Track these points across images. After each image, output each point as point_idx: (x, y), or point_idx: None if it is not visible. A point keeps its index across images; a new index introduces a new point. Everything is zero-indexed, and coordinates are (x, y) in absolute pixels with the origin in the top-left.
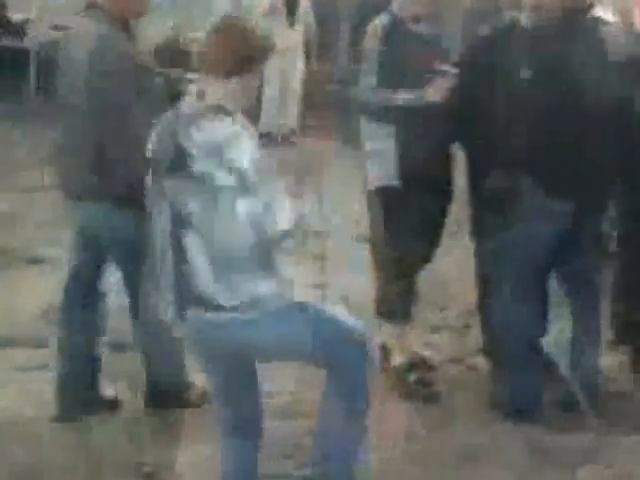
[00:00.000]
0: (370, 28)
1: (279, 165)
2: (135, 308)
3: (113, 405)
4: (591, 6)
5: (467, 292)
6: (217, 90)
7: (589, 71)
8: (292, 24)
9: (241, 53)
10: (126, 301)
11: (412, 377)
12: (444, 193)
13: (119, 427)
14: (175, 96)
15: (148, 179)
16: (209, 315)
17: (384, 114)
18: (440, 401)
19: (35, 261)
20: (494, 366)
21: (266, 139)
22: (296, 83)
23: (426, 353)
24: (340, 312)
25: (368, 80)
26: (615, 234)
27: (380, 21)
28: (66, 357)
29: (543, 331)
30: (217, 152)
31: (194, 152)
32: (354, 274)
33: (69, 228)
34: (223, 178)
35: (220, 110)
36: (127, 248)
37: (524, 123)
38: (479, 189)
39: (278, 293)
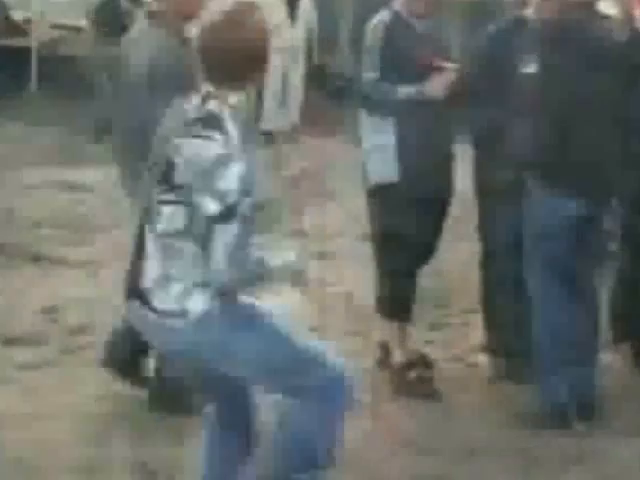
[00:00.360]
0: (371, 25)
1: (280, 164)
2: None
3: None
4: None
5: (468, 290)
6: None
7: (594, 66)
8: (293, 20)
9: (252, 53)
10: None
11: (413, 375)
12: (444, 190)
13: (122, 425)
14: None
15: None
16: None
17: (385, 109)
18: (440, 399)
19: (36, 259)
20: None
21: (267, 136)
22: (297, 79)
23: (426, 351)
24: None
25: (369, 75)
26: (615, 232)
27: (381, 18)
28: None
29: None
30: (203, 176)
31: (181, 167)
32: (357, 272)
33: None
34: (206, 203)
35: (216, 123)
36: None
37: (531, 119)
38: (486, 185)
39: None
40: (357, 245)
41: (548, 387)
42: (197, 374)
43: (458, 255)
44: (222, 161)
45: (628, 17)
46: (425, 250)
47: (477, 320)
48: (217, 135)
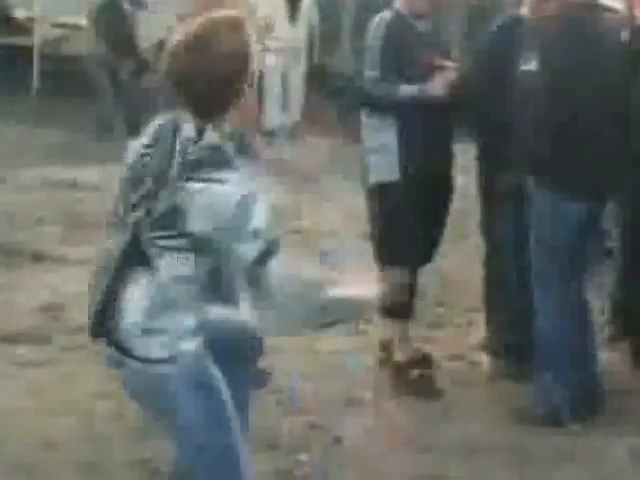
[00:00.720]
0: (372, 24)
1: (282, 163)
2: None
3: None
4: None
5: (468, 288)
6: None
7: (597, 63)
8: (294, 19)
9: (233, 78)
10: None
11: (414, 374)
12: (445, 188)
13: (124, 422)
14: None
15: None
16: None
17: (386, 108)
18: (442, 397)
19: (37, 257)
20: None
21: (269, 136)
22: (298, 78)
23: (428, 349)
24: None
25: (370, 74)
26: (614, 231)
27: (382, 17)
28: None
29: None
30: (228, 224)
31: (194, 215)
32: (358, 271)
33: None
34: (243, 250)
35: (224, 160)
36: None
37: (533, 117)
38: (489, 184)
39: None
40: (357, 243)
41: (548, 386)
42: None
43: (458, 254)
44: (244, 203)
45: (631, 14)
46: (426, 249)
47: (477, 319)
48: (230, 174)
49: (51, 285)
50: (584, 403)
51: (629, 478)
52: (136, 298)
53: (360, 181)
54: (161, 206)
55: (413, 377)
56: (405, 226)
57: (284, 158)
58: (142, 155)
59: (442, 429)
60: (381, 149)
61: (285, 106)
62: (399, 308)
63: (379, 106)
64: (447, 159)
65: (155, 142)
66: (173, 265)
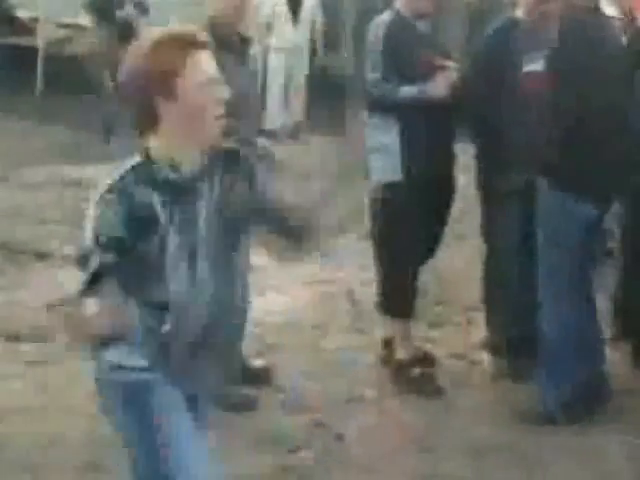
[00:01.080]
0: (373, 25)
1: (283, 162)
2: None
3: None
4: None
5: (469, 287)
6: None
7: (605, 66)
8: (296, 20)
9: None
10: None
11: (415, 372)
12: (447, 188)
13: None
14: None
15: None
16: None
17: (387, 109)
18: (443, 396)
19: (42, 256)
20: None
21: (271, 136)
22: (301, 79)
23: (429, 348)
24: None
25: (372, 75)
26: (616, 231)
27: (383, 18)
28: None
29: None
30: None
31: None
32: (359, 270)
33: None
34: None
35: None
36: None
37: (540, 119)
38: (490, 185)
39: None
40: (359, 243)
41: (552, 384)
42: None
43: (459, 253)
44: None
45: (630, 17)
46: (427, 248)
47: (479, 318)
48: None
49: (56, 284)
50: (589, 402)
51: (630, 477)
52: None
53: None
54: None
55: (414, 375)
56: (407, 226)
57: (285, 158)
58: None
59: (443, 427)
60: (383, 149)
61: (287, 106)
62: (400, 307)
63: (381, 107)
64: (449, 159)
65: None
66: None
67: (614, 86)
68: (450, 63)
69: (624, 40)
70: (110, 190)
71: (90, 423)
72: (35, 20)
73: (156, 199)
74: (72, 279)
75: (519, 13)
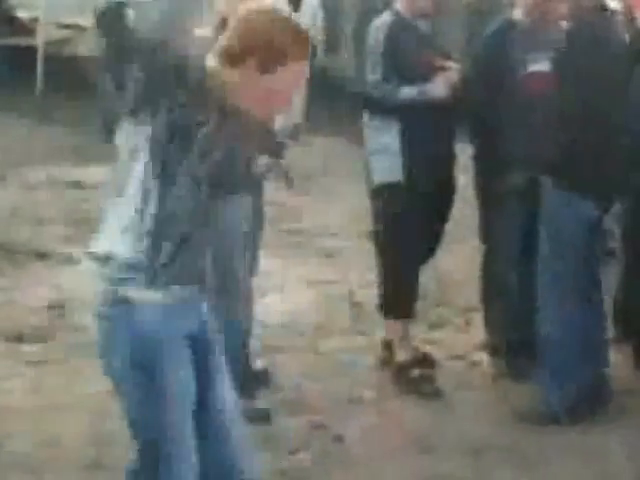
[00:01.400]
0: (373, 26)
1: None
2: None
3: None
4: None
5: (469, 288)
6: None
7: (609, 64)
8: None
9: None
10: None
11: (415, 373)
12: (447, 189)
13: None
14: None
15: None
16: None
17: (388, 109)
18: (442, 397)
19: (42, 256)
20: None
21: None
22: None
23: (428, 349)
24: None
25: (372, 76)
26: (617, 231)
27: (383, 19)
28: None
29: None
30: None
31: None
32: (360, 271)
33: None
34: None
35: None
36: None
37: (543, 119)
38: (488, 186)
39: None
40: (360, 244)
41: (553, 385)
42: None
43: (459, 253)
44: None
45: (630, 15)
46: (428, 249)
47: (478, 319)
48: None
49: (56, 284)
50: (590, 402)
51: (631, 477)
52: None
53: (365, 181)
54: None
55: (414, 376)
56: (408, 226)
57: (286, 158)
58: None
59: (443, 428)
60: (384, 150)
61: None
62: (402, 307)
63: (381, 107)
64: (449, 159)
65: None
66: None
67: (618, 85)
68: (450, 63)
69: (627, 38)
70: None
71: (90, 423)
72: (35, 20)
73: None
74: (72, 279)
75: (516, 14)
